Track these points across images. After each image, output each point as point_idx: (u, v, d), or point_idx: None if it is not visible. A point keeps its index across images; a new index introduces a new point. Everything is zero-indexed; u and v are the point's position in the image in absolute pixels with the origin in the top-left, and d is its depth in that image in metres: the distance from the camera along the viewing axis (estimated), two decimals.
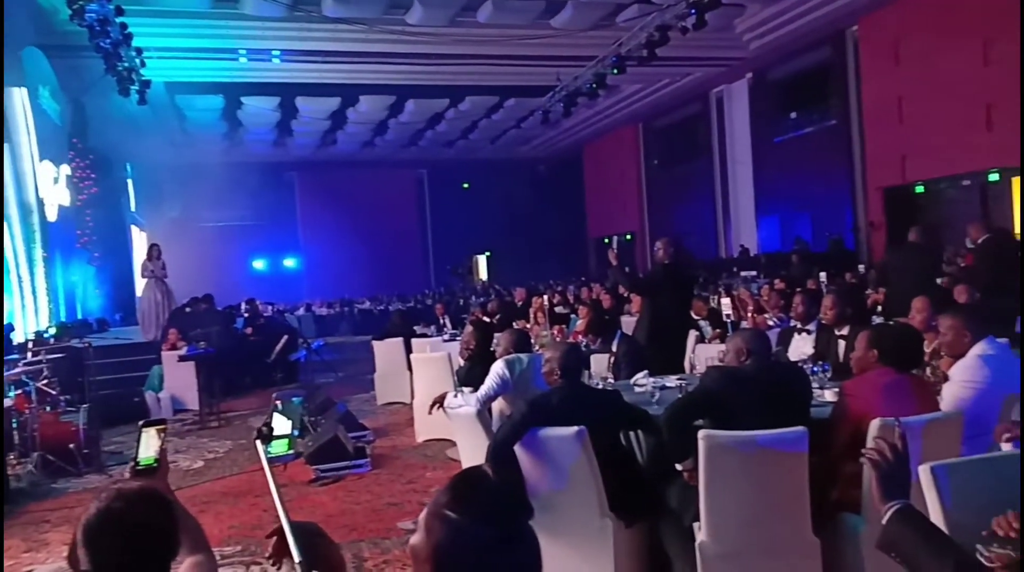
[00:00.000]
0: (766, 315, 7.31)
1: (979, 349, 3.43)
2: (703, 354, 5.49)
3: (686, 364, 5.96)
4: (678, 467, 3.33)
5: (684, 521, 3.17)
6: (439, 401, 4.55)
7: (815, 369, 4.33)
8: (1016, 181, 15.55)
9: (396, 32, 14.34)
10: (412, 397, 7.65)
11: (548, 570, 3.81)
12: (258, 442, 1.87)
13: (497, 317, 9.54)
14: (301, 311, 21.44)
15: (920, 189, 17.33)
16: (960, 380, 3.34)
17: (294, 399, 6.70)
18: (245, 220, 26.66)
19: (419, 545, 1.17)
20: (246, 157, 25.02)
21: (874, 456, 1.73)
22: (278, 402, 6.58)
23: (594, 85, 17.07)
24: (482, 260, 32.56)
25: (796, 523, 2.97)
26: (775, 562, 2.96)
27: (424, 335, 9.86)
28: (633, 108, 24.84)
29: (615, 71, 15.69)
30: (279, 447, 6.15)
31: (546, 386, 3.72)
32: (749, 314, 7.43)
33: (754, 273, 16.93)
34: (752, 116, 22.31)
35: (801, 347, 5.14)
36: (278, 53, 16.24)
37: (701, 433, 2.97)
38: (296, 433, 6.25)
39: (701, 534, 3.01)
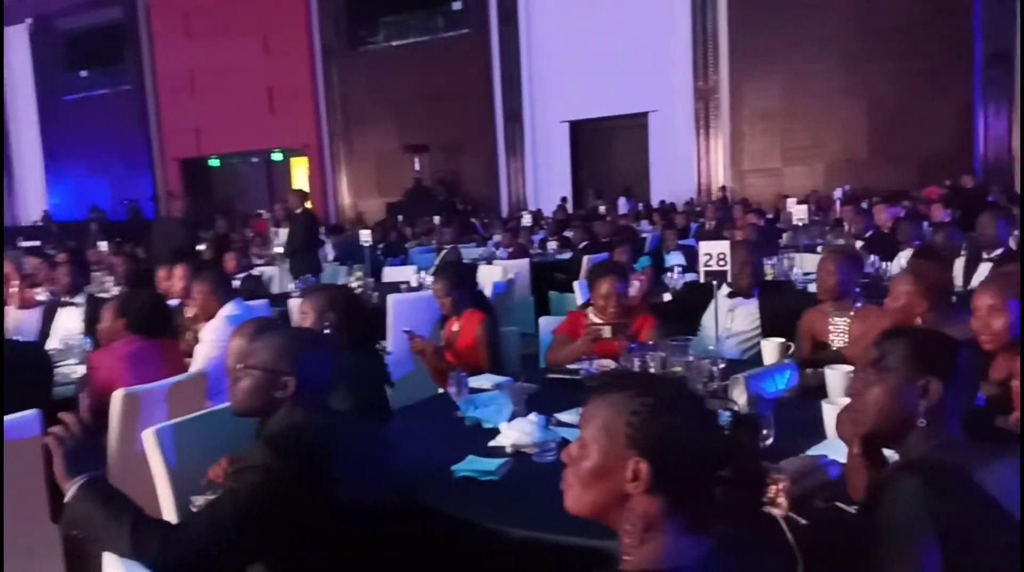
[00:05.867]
0: (37, 289, 6.52)
1: (227, 310, 3.71)
2: None
3: None
4: None
5: None
6: None
7: (75, 344, 4.05)
8: (295, 161, 17.88)
9: None
10: None
11: None
12: None
13: None
14: None
15: (216, 162, 18.27)
16: (208, 340, 3.55)
17: None
18: None
19: None
20: None
21: (58, 433, 1.63)
22: None
23: None
24: None
25: (31, 512, 2.69)
26: (11, 559, 2.62)
27: None
28: None
29: None
30: None
31: None
32: (14, 288, 6.50)
33: (38, 243, 15.09)
34: (36, 68, 19.77)
35: (66, 322, 4.74)
36: None
37: None
38: None
39: None
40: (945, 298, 2.71)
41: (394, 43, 16.52)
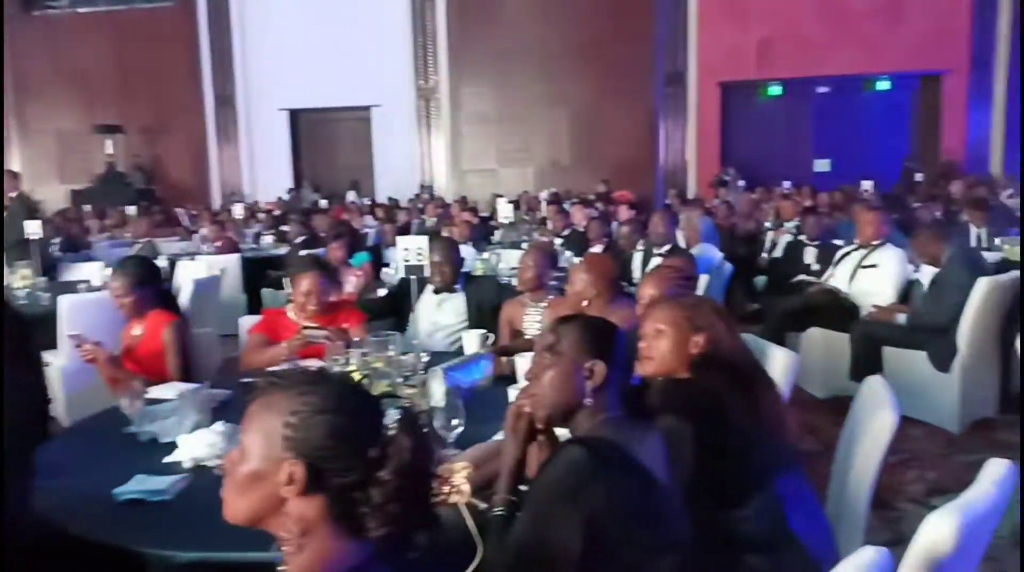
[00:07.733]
0: None
1: None
2: None
3: None
4: None
5: None
6: None
7: None
8: None
9: None
10: None
11: None
12: None
13: None
14: None
15: None
16: None
17: None
18: None
19: None
20: None
21: None
22: None
23: None
24: None
25: None
26: None
27: None
28: None
29: None
30: None
31: None
32: None
33: None
34: None
35: None
36: None
37: None
38: None
39: None
40: (613, 285, 3.05)
41: (80, 10, 14.49)
